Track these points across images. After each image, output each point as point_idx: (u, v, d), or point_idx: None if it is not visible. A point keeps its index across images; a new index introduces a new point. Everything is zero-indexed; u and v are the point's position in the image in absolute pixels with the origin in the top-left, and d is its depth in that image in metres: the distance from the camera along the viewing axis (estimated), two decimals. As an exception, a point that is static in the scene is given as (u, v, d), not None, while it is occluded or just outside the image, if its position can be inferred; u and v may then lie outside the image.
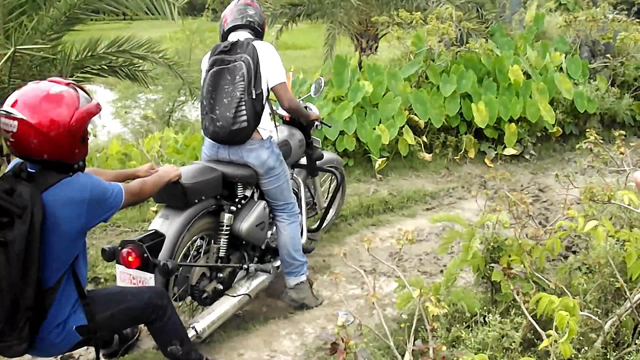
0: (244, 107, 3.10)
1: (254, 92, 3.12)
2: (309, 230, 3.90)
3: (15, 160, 2.18)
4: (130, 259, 2.50)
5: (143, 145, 5.92)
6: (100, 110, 2.24)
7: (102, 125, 11.33)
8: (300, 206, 3.74)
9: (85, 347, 3.20)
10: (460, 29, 7.10)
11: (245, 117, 3.10)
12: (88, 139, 2.22)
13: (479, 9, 8.17)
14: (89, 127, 2.25)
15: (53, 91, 2.08)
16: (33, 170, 2.10)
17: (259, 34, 3.37)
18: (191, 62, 13.49)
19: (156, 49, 5.83)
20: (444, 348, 1.99)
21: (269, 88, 3.26)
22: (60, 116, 2.05)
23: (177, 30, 14.65)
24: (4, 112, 2.01)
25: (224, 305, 3.11)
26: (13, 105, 2.03)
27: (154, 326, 2.58)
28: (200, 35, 16.05)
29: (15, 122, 2.00)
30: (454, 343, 2.64)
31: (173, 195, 2.86)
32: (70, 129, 2.07)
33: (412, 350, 2.10)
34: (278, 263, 3.56)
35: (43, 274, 2.08)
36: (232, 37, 3.29)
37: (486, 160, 6.38)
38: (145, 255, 2.55)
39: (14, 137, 2.02)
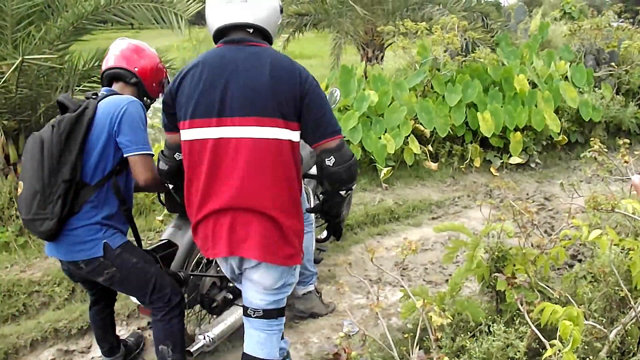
0: None
1: None
2: (317, 241, 3.90)
3: None
4: None
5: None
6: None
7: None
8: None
9: (84, 353, 3.23)
10: (465, 39, 7.13)
11: None
12: (160, 91, 2.76)
13: (484, 19, 8.20)
14: None
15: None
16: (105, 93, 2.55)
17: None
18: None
19: (163, 58, 5.85)
20: (446, 358, 1.99)
21: None
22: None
23: (184, 39, 14.71)
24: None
25: (235, 315, 3.12)
26: None
27: (156, 317, 2.63)
28: (207, 45, 16.12)
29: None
30: (458, 353, 2.64)
31: None
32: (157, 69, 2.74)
33: None
34: None
35: (84, 168, 2.38)
36: None
37: (492, 169, 6.39)
38: (158, 265, 2.59)
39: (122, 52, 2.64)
